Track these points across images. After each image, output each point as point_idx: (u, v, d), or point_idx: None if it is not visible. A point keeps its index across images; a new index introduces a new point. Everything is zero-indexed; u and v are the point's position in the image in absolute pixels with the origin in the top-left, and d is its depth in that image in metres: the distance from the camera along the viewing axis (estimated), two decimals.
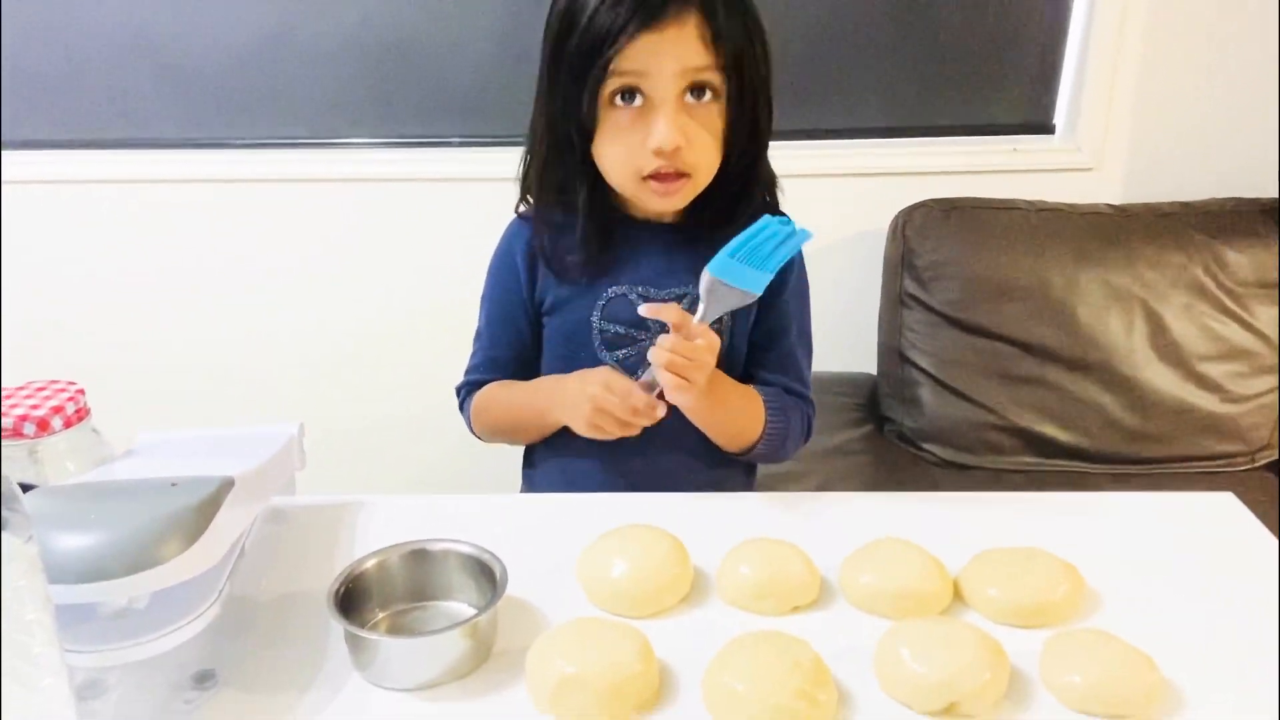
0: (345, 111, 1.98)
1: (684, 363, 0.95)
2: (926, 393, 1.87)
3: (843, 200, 1.99)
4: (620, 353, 1.11)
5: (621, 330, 1.10)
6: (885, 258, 1.94)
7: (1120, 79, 1.92)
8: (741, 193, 1.08)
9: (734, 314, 1.09)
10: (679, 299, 1.08)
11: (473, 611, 0.83)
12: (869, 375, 2.02)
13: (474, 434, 1.21)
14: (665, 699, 0.75)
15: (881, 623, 0.81)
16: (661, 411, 1.00)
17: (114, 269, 2.08)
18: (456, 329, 1.86)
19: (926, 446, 1.88)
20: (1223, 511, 1.00)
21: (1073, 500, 1.03)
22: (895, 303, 1.91)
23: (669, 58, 0.96)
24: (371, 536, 0.96)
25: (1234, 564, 0.91)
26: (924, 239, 1.87)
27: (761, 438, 1.09)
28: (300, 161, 2.00)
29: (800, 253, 1.15)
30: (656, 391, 0.99)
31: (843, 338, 1.95)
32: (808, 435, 1.16)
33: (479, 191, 1.97)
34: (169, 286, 2.08)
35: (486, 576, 0.82)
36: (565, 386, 1.07)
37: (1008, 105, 1.99)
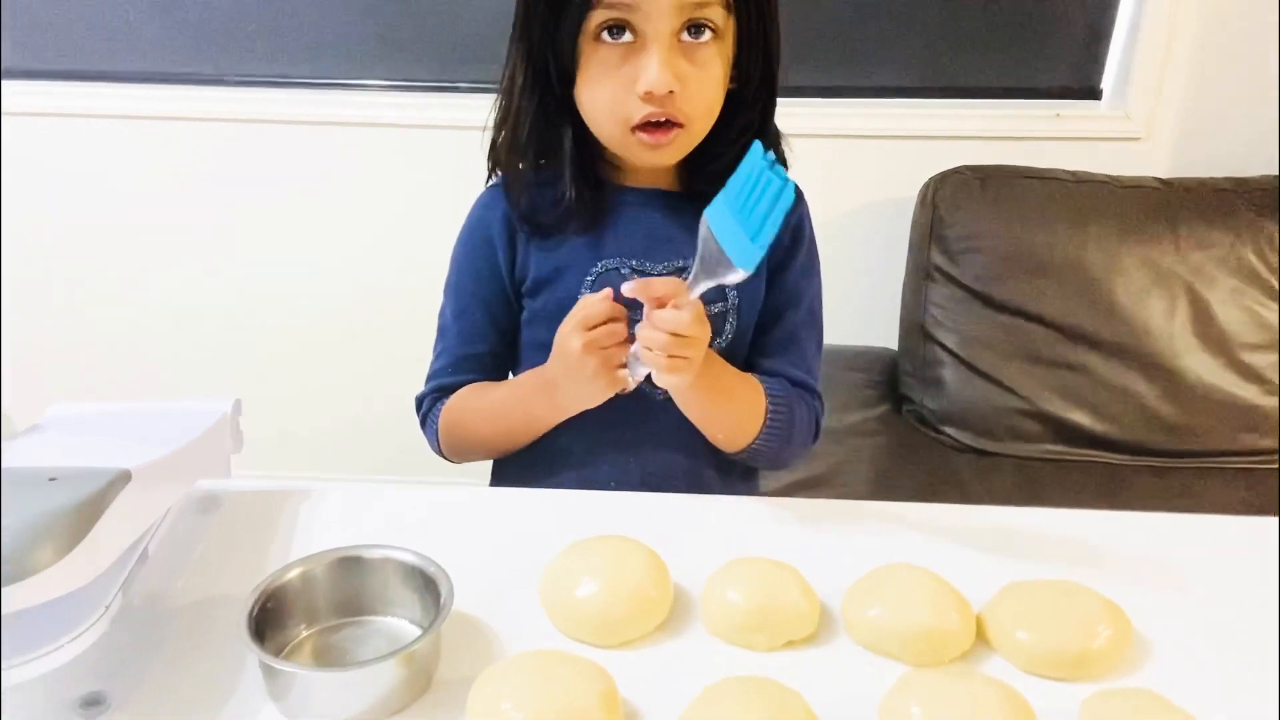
0: (350, 52, 1.88)
1: (675, 340, 0.81)
2: (949, 372, 1.78)
3: (870, 164, 1.91)
4: None
5: None
6: (913, 227, 1.85)
7: (1175, 43, 1.80)
8: (745, 153, 0.94)
9: (741, 295, 0.97)
10: (677, 273, 0.95)
11: (414, 629, 0.72)
12: (889, 351, 1.93)
13: (441, 455, 1.05)
14: None
15: (890, 665, 0.70)
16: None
17: (91, 207, 1.97)
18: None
19: (946, 430, 1.79)
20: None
21: (1116, 521, 0.90)
22: (921, 275, 1.82)
23: None
24: (314, 532, 0.84)
25: None
26: (956, 208, 1.78)
27: (762, 432, 0.96)
28: (301, 102, 1.91)
29: (810, 225, 1.04)
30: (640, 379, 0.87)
31: (862, 311, 1.87)
32: (815, 435, 1.03)
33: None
34: (146, 231, 1.98)
35: (431, 590, 0.71)
36: (550, 371, 0.92)
37: (1052, 67, 1.89)
